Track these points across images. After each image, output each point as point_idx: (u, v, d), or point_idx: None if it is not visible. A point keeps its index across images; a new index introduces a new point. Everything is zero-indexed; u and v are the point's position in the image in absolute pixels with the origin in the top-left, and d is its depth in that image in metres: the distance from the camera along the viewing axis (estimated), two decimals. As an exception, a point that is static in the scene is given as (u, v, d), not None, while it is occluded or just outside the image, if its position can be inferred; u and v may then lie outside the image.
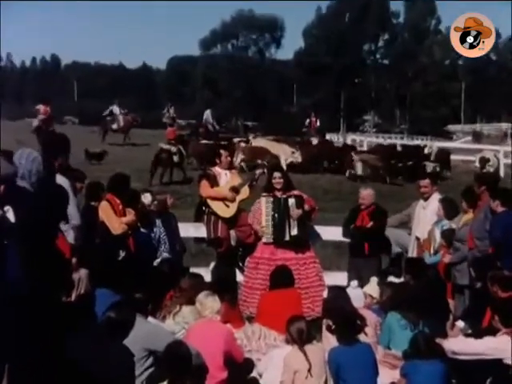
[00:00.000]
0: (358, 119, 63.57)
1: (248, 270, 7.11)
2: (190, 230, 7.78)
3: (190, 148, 18.20)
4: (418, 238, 7.25)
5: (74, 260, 4.72)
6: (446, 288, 6.33)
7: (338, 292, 5.88)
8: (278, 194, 7.10)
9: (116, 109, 25.84)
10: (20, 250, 3.72)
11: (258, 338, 5.47)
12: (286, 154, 18.99)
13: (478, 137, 39.18)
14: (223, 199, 7.46)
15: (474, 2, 48.56)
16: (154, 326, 4.81)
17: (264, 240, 7.03)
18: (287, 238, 6.97)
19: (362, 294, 6.03)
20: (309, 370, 4.65)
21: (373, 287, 6.07)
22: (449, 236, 6.66)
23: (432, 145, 22.25)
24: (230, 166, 7.98)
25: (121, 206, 6.43)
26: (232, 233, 7.50)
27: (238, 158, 18.01)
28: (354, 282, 6.91)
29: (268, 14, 65.64)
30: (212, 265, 7.36)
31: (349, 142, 29.10)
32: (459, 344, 4.90)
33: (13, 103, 52.00)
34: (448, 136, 47.21)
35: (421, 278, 5.98)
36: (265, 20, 65.32)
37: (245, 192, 7.56)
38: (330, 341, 5.12)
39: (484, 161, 18.86)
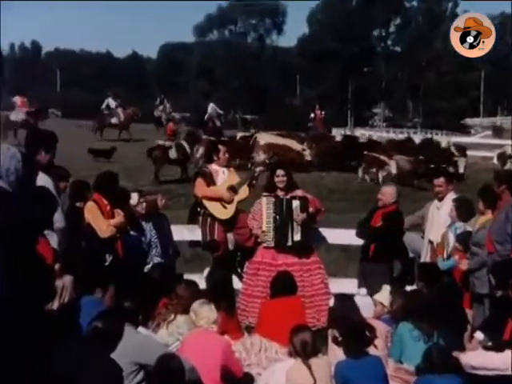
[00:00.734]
0: (367, 112, 63.59)
1: (247, 276, 7.11)
2: (184, 232, 7.78)
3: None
4: (431, 242, 7.26)
5: (57, 266, 4.74)
6: (462, 296, 6.33)
7: (345, 300, 5.88)
8: (281, 193, 7.10)
9: (112, 102, 25.97)
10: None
11: (258, 351, 5.48)
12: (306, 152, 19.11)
13: (498, 131, 39.09)
14: (220, 199, 7.46)
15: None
16: (144, 337, 4.82)
17: (265, 244, 7.04)
18: (289, 243, 6.97)
19: (372, 303, 6.04)
20: (313, 386, 4.66)
21: (384, 295, 6.07)
22: (465, 240, 6.65)
23: (448, 140, 22.27)
24: (228, 164, 7.97)
25: (108, 207, 6.44)
26: (230, 236, 7.50)
27: (261, 157, 17.99)
28: (363, 290, 6.93)
29: (269, -3, 65.81)
30: (207, 271, 7.37)
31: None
32: (478, 358, 4.90)
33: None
34: (465, 130, 47.18)
35: (435, 285, 5.99)
36: (265, 4, 65.36)
37: (244, 192, 7.55)
38: (336, 353, 5.13)
39: (504, 157, 18.89)
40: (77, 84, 60.98)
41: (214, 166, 7.64)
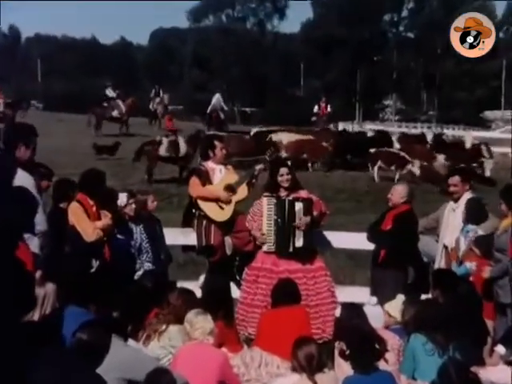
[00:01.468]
0: (377, 105, 63.60)
1: (246, 283, 7.12)
2: (178, 236, 7.80)
3: (234, 143, 17.64)
4: (445, 247, 7.26)
5: (38, 273, 4.74)
6: (482, 305, 6.33)
7: (353, 310, 5.89)
8: (283, 194, 7.12)
9: (111, 92, 26.07)
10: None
11: (258, 366, 5.48)
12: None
13: (521, 125, 39.11)
14: (217, 200, 7.47)
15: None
16: (133, 350, 4.83)
17: (265, 249, 7.06)
18: (290, 249, 6.99)
19: (382, 313, 6.04)
20: (319, 403, 4.67)
21: (395, 305, 6.06)
22: (484, 244, 6.67)
23: (466, 135, 22.25)
24: (225, 161, 7.98)
25: (94, 208, 6.45)
26: (227, 240, 7.52)
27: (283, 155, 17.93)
28: (373, 299, 6.93)
29: (270, -21, 65.75)
30: (202, 277, 7.38)
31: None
32: (499, 373, 4.91)
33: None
34: (485, 124, 47.21)
35: (452, 294, 5.99)
36: (266, -14, 65.39)
37: (243, 191, 7.57)
38: (343, 368, 5.13)
39: (528, 154, 18.84)
40: (59, 73, 61.00)
41: (210, 164, 7.65)
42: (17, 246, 4.23)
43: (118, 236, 6.79)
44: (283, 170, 7.11)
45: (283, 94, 55.54)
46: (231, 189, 7.49)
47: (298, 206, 6.99)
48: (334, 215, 9.21)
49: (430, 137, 23.30)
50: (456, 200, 7.33)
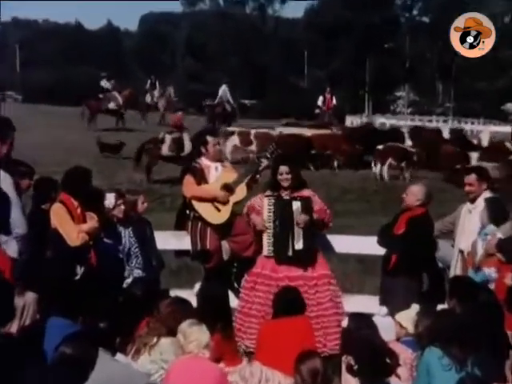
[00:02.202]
0: (388, 96, 63.61)
1: (244, 291, 7.13)
2: (170, 240, 7.80)
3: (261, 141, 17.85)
4: (461, 251, 7.26)
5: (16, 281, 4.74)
6: (503, 316, 6.33)
7: (362, 321, 5.90)
8: (285, 194, 7.13)
9: (107, 84, 26.19)
10: None
11: (259, 382, 5.49)
12: None
13: (546, 119, 39.19)
14: (213, 200, 7.48)
15: None
16: (122, 365, 4.83)
17: (265, 252, 7.06)
18: (290, 252, 7.00)
19: (394, 324, 6.04)
20: (324, 423, 4.68)
21: (408, 316, 6.05)
22: (506, 248, 6.67)
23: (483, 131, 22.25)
24: (222, 158, 7.98)
25: (79, 210, 6.45)
26: (224, 244, 7.52)
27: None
28: (384, 309, 6.93)
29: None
30: (197, 285, 7.38)
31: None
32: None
33: None
34: (507, 118, 47.22)
35: (470, 303, 5.98)
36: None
37: (241, 191, 7.56)
38: (351, 385, 5.14)
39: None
40: (40, 62, 60.96)
41: (204, 161, 7.65)
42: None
43: (105, 240, 6.80)
44: (283, 169, 7.11)
45: (285, 84, 55.51)
46: (229, 188, 7.49)
47: (296, 204, 7.01)
48: (341, 217, 9.23)
49: (446, 132, 23.32)
50: (472, 201, 7.29)
